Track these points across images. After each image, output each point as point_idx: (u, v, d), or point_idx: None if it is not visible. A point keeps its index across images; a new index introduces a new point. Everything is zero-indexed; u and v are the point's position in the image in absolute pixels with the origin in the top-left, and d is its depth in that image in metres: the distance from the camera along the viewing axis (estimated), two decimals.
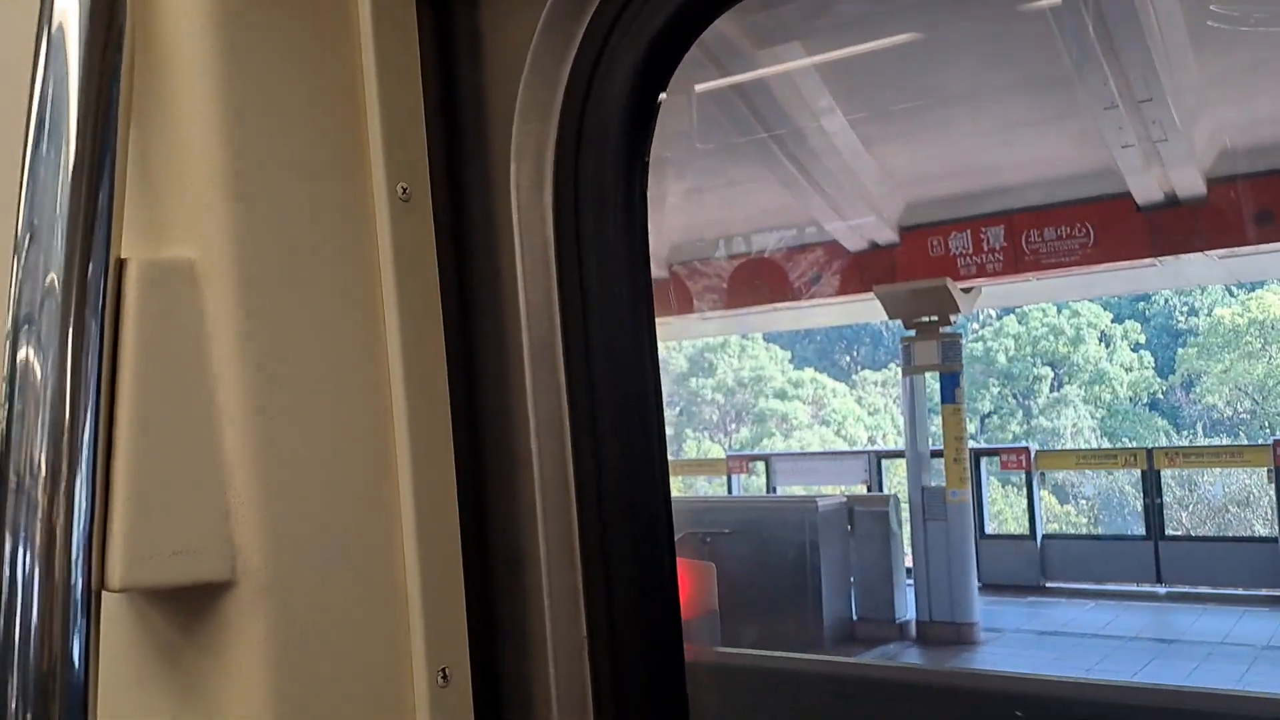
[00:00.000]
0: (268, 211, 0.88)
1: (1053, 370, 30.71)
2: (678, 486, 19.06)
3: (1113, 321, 31.04)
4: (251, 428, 0.85)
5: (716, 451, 29.24)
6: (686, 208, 11.34)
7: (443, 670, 0.92)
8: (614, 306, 0.98)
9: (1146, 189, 9.27)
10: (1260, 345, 28.23)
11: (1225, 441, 27.03)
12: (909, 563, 10.87)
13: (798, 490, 16.34)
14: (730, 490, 16.02)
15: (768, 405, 31.28)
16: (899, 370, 11.85)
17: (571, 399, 0.97)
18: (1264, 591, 11.48)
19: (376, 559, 0.92)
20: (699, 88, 8.17)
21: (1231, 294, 29.20)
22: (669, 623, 0.98)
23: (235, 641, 0.84)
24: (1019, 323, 31.06)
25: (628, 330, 0.99)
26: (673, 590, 0.99)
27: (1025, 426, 30.04)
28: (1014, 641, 10.18)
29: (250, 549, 0.83)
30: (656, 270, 11.98)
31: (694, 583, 5.34)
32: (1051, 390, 30.61)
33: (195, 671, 0.88)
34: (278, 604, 0.84)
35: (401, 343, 0.95)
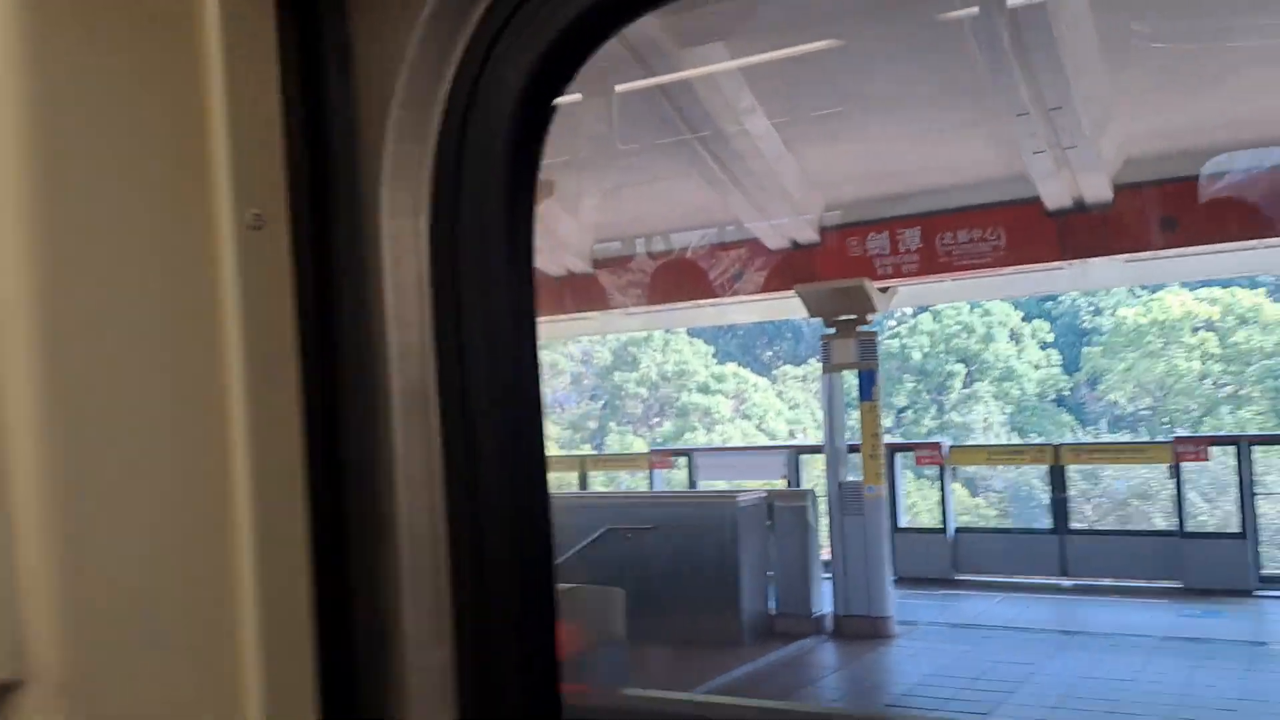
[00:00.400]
0: (79, 239, 0.73)
1: (965, 367, 31.55)
2: (600, 481, 19.04)
3: (1022, 320, 32.01)
4: (48, 496, 0.68)
5: (640, 445, 29.31)
6: (609, 205, 11.34)
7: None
8: (497, 345, 0.87)
9: (1056, 194, 9.56)
10: (1160, 345, 29.40)
11: (1127, 437, 28.12)
12: (827, 556, 11.06)
13: (720, 485, 16.50)
14: (652, 485, 16.09)
15: (690, 399, 31.50)
16: (819, 365, 12.03)
17: (447, 451, 0.85)
18: (1162, 584, 11.97)
19: (206, 650, 0.76)
20: (620, 88, 8.16)
21: (1135, 295, 30.36)
22: (550, 706, 0.88)
23: None
24: (933, 320, 31.83)
25: (511, 370, 0.88)
26: (554, 669, 0.88)
27: (939, 421, 30.81)
28: (928, 635, 10.44)
29: (43, 643, 0.67)
30: (581, 265, 12.00)
31: (597, 613, 5.13)
32: (964, 386, 31.45)
33: None
34: (78, 709, 0.68)
35: (247, 393, 0.80)
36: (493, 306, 0.87)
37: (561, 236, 11.72)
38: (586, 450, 28.43)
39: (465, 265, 0.86)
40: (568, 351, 33.36)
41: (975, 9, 6.97)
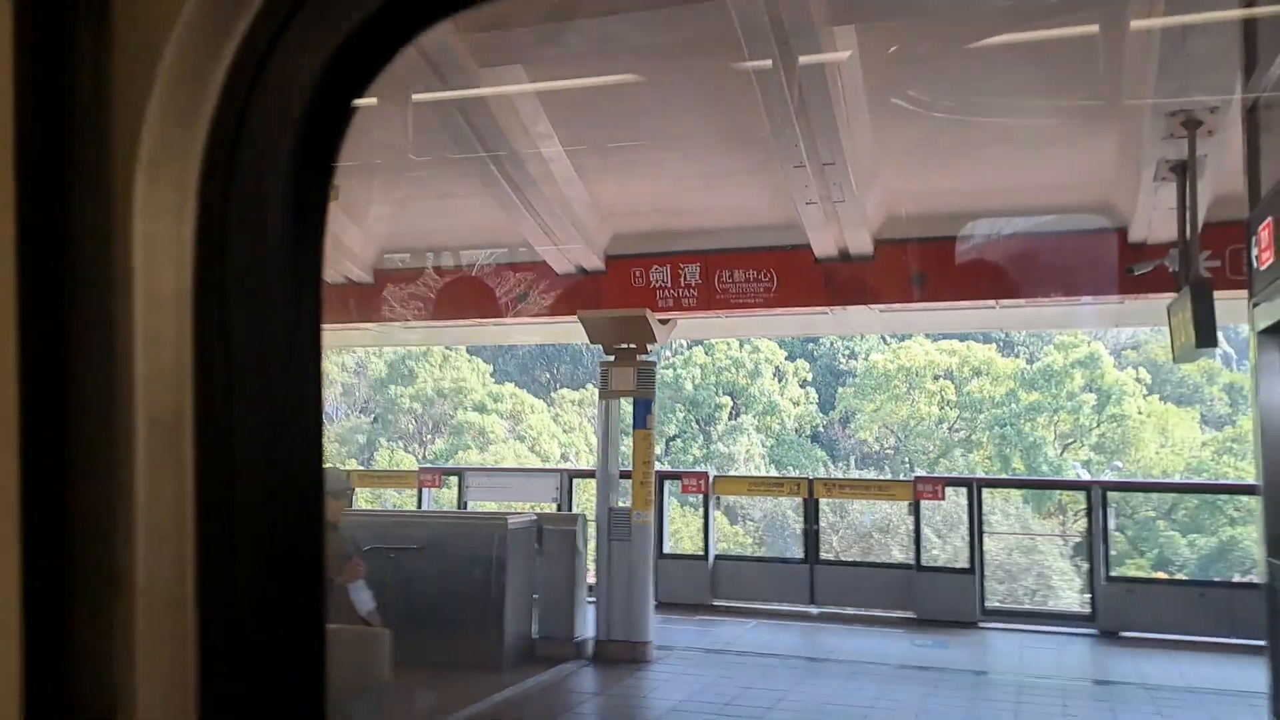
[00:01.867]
0: None
1: (732, 399, 32.96)
2: (365, 498, 18.37)
3: (786, 359, 33.88)
4: None
5: (409, 462, 28.59)
6: (398, 216, 11.05)
7: None
8: (272, 367, 0.74)
9: (824, 243, 10.18)
10: (905, 389, 31.91)
11: (873, 474, 30.25)
12: (593, 580, 11.16)
13: (491, 506, 16.33)
14: (421, 504, 15.70)
15: (466, 418, 31.07)
16: (595, 391, 12.17)
17: (201, 502, 0.72)
18: (899, 614, 12.90)
19: None
20: (417, 97, 7.99)
21: (885, 343, 32.82)
22: None
23: None
24: (706, 353, 33.07)
25: (288, 395, 0.75)
26: None
27: (705, 450, 31.98)
28: (684, 659, 10.73)
29: None
30: (363, 275, 11.61)
31: (361, 659, 4.95)
32: (730, 418, 32.81)
33: None
34: None
35: None
36: (270, 322, 0.73)
37: (345, 244, 11.30)
38: (353, 465, 27.40)
39: (239, 276, 0.72)
40: (340, 361, 32.10)
41: (768, 61, 7.33)
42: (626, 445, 11.53)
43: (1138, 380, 30.43)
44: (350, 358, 32.12)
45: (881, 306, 10.96)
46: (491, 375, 33.61)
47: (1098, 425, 29.97)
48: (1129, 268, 8.99)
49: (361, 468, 26.64)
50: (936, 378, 31.61)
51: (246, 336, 0.72)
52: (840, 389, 34.04)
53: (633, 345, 11.27)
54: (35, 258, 0.68)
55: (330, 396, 32.12)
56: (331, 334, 13.75)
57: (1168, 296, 8.29)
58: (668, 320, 11.45)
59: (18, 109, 0.67)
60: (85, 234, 0.70)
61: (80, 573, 0.70)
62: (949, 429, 31.95)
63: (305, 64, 0.73)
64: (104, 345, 0.71)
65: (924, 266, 10.28)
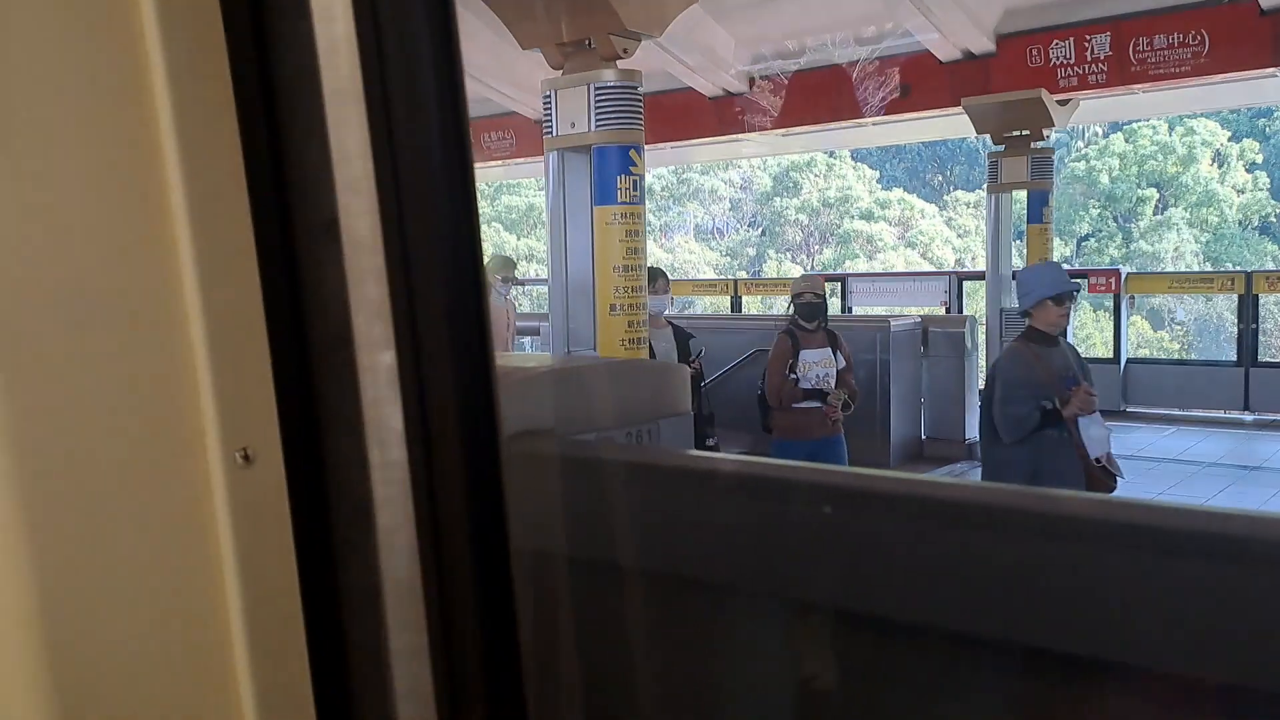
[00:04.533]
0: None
1: (1158, 192, 29.19)
2: (755, 305, 18.97)
3: (1229, 140, 29.12)
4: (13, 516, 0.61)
5: (796, 273, 28.95)
6: (759, 14, 10.76)
7: (243, 450, 0.70)
8: (431, 174, 0.70)
9: None
10: None
11: None
12: (982, 385, 10.79)
13: (876, 311, 16.18)
14: None
15: (852, 226, 30.61)
16: (986, 192, 11.39)
17: (404, 390, 0.71)
18: None
19: (140, 309, 0.66)
20: None
21: None
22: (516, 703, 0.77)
23: None
24: (1126, 140, 29.36)
25: (447, 208, 0.72)
26: (517, 663, 0.76)
27: (1124, 251, 28.90)
28: None
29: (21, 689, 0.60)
30: (737, 85, 11.58)
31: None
32: (1155, 213, 29.21)
33: None
34: (2, 365, 0.61)
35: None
36: (423, 122, 0.69)
37: (718, 53, 11.29)
38: (742, 276, 28.29)
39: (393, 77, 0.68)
40: (727, 178, 32.78)
41: None
42: (1024, 248, 10.76)
43: None
44: (735, 173, 32.64)
45: None
46: (878, 181, 32.53)
47: None
48: None
49: (751, 278, 27.48)
50: None
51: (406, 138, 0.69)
52: None
53: (1026, 132, 10.31)
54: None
55: (719, 212, 33.12)
56: (713, 148, 14.01)
57: None
58: (1067, 101, 10.29)
59: None
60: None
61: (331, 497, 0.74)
62: None
63: None
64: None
65: None
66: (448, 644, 0.71)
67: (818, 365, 6.09)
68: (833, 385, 6.13)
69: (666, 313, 6.65)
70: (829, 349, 6.17)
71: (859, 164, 32.28)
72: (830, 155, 30.75)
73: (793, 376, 6.03)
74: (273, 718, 0.70)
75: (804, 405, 6.02)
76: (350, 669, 0.73)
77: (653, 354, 6.18)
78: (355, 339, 0.69)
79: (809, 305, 6.19)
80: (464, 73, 0.69)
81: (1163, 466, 9.85)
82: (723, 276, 26.89)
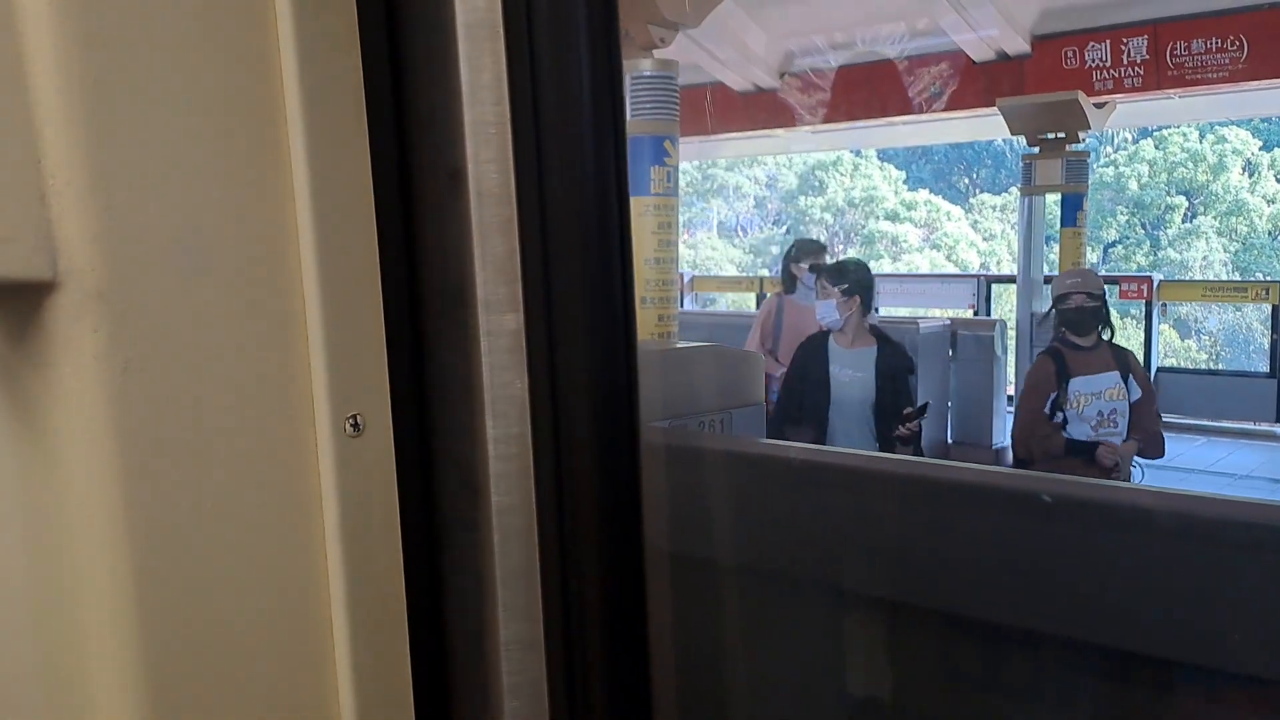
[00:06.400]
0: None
1: (1187, 200, 28.86)
2: None
3: (1261, 149, 28.76)
4: (75, 89, 0.55)
5: None
6: (797, 9, 10.68)
7: (353, 418, 0.66)
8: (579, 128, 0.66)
9: None
10: None
11: None
12: (1011, 390, 10.67)
13: (902, 313, 16.05)
14: None
15: (878, 227, 30.43)
16: (1019, 194, 11.26)
17: (532, 376, 0.67)
18: None
19: (253, 257, 0.62)
20: None
21: None
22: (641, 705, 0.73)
23: (63, 358, 0.59)
24: (1155, 147, 29.05)
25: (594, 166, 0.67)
26: (646, 668, 0.72)
27: (1151, 258, 28.60)
28: None
29: (75, 245, 0.57)
30: (769, 80, 11.51)
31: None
32: (1184, 221, 28.89)
33: (26, 388, 0.62)
34: (113, 315, 0.58)
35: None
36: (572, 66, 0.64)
37: (750, 48, 11.22)
38: (764, 274, 28.15)
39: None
40: (752, 175, 32.67)
41: None
42: (1054, 254, 10.63)
43: None
44: (761, 170, 32.51)
45: None
46: (904, 182, 32.32)
47: None
48: None
49: (775, 277, 27.38)
50: None
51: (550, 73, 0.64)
52: None
53: (1061, 134, 10.18)
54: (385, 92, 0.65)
55: (743, 209, 33.03)
56: (741, 143, 13.93)
57: None
58: (1104, 104, 10.16)
59: None
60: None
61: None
62: None
63: None
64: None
65: None
66: (566, 637, 0.66)
67: (1099, 398, 4.31)
68: (1122, 427, 4.31)
69: (869, 320, 4.82)
70: (1115, 373, 4.36)
71: (885, 164, 32.09)
72: (856, 154, 30.59)
73: (1059, 416, 4.33)
74: (369, 699, 0.66)
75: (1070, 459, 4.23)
76: (452, 654, 0.69)
77: (828, 387, 4.67)
78: (476, 299, 0.64)
79: (1079, 313, 4.42)
80: (618, 5, 0.62)
81: (1194, 477, 9.71)
82: (748, 274, 26.80)
